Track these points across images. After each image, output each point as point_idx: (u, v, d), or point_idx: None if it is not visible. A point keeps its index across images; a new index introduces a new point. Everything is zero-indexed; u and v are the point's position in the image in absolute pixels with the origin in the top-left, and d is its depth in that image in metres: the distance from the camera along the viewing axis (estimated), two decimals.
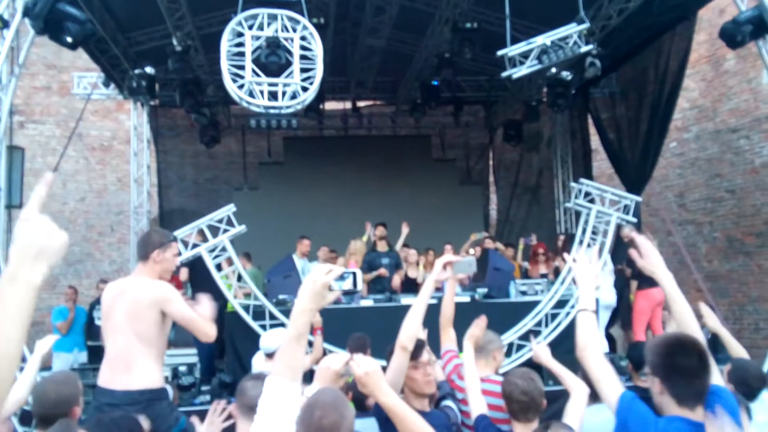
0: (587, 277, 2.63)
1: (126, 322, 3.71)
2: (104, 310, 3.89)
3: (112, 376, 3.69)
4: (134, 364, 3.67)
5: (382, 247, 8.37)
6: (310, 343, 6.58)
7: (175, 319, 3.72)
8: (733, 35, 6.97)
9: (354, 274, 2.00)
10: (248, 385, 2.65)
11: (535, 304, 7.43)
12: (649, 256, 2.59)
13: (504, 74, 7.04)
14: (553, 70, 8.62)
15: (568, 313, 7.26)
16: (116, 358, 3.72)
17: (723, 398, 2.24)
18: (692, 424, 2.10)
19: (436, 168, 12.20)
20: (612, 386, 2.31)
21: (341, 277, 1.90)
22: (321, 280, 1.89)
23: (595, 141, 11.47)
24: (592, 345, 2.42)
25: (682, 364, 2.17)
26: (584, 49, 6.95)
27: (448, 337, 3.77)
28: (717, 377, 2.36)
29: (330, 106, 11.81)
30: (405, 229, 8.78)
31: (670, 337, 2.32)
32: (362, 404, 3.58)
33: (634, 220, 7.47)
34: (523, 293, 7.66)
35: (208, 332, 3.70)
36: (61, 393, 3.02)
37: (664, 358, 2.20)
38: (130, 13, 8.61)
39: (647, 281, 7.52)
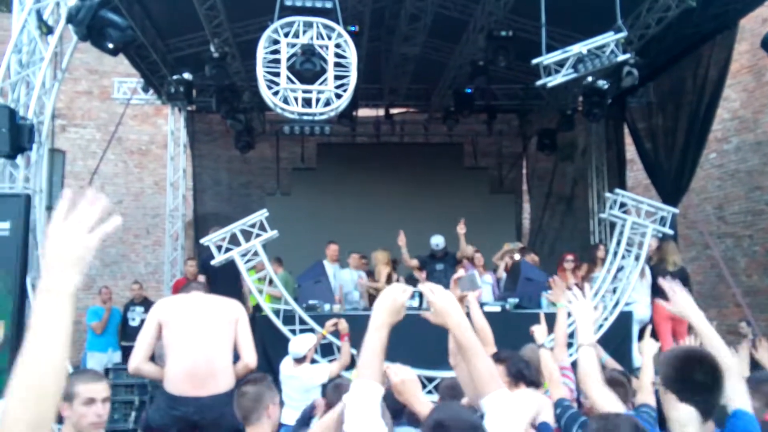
0: (585, 312, 2.79)
1: (216, 334, 4.05)
2: (180, 322, 4.08)
3: (195, 384, 3.91)
4: (219, 370, 3.99)
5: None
6: (339, 349, 6.60)
7: (240, 335, 4.14)
8: None
9: (420, 293, 2.18)
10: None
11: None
12: (677, 300, 2.63)
13: (539, 83, 6.98)
14: (590, 78, 8.50)
15: (601, 326, 7.14)
16: (198, 366, 3.95)
17: (745, 421, 2.25)
18: None
19: (468, 176, 12.13)
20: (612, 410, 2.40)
21: (412, 297, 2.07)
22: (401, 299, 2.01)
23: (630, 151, 11.29)
24: (593, 375, 2.63)
25: (695, 379, 2.17)
26: (621, 58, 6.85)
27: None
28: (743, 400, 2.35)
29: (363, 113, 11.86)
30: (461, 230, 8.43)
31: (685, 351, 2.39)
32: (399, 413, 3.57)
33: (671, 232, 7.32)
34: (555, 304, 7.55)
35: (255, 358, 4.16)
36: None
37: (678, 371, 2.23)
38: (169, 20, 8.79)
39: (661, 293, 7.37)
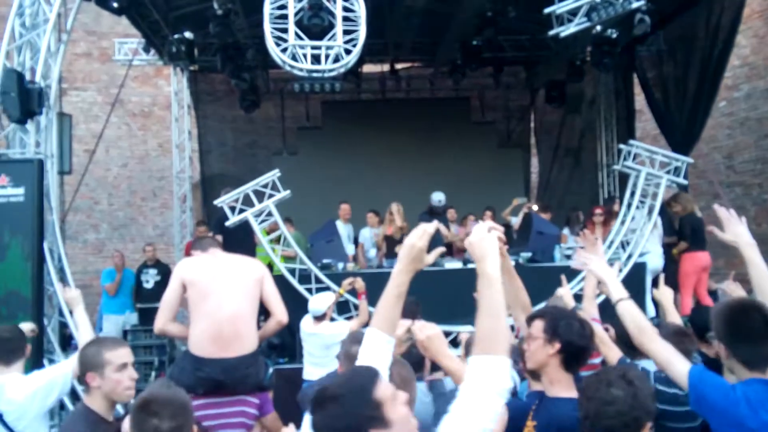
0: (605, 269, 2.69)
1: (241, 295, 4.02)
2: (205, 282, 4.04)
3: (221, 346, 3.92)
4: (244, 331, 3.99)
5: None
6: (356, 307, 6.65)
7: (267, 292, 4.14)
8: None
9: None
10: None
11: None
12: (732, 228, 2.59)
13: (551, 33, 6.85)
14: (599, 28, 8.34)
15: None
16: (224, 328, 3.94)
17: None
18: None
19: (476, 131, 12.04)
20: (678, 364, 2.31)
21: (442, 255, 2.07)
22: (418, 245, 1.93)
23: (639, 101, 11.15)
24: (645, 330, 2.42)
25: (745, 329, 2.18)
26: (635, 5, 6.70)
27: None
28: None
29: (367, 68, 11.68)
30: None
31: (732, 303, 2.36)
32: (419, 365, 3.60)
33: (685, 182, 7.30)
34: (568, 257, 7.59)
35: (286, 315, 4.20)
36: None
37: (728, 324, 2.23)
38: None
39: (697, 244, 7.43)
